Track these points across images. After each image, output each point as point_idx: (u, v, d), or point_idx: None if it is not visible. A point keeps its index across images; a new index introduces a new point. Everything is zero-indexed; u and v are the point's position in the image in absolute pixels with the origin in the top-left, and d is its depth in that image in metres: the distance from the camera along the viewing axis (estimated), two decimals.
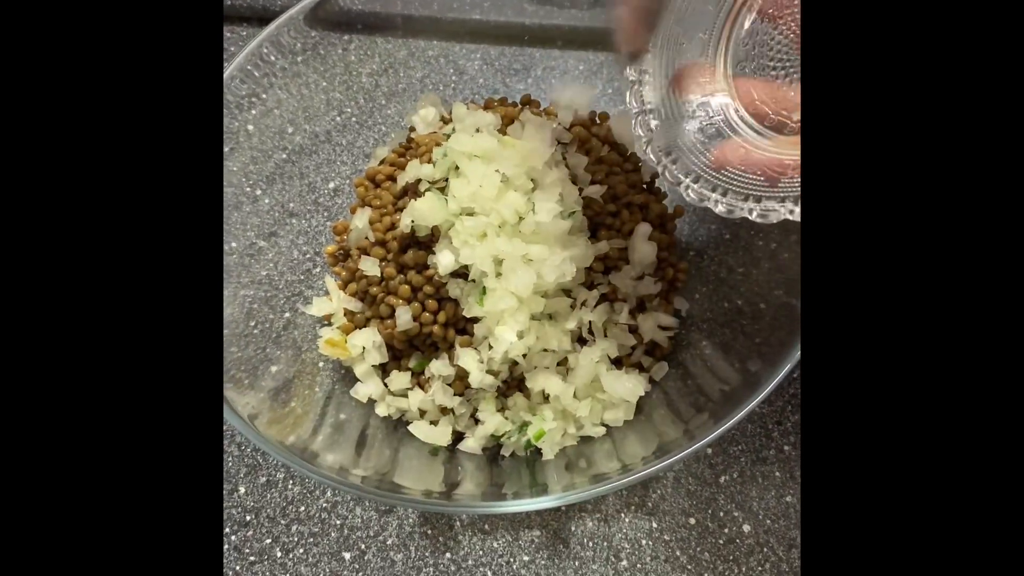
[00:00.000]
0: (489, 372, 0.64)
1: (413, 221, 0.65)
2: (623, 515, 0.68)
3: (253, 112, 0.78)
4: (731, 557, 0.67)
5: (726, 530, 0.68)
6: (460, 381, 0.66)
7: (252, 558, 0.68)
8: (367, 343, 0.67)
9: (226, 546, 0.68)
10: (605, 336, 0.68)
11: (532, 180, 0.65)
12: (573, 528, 0.68)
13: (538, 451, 0.66)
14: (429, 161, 0.68)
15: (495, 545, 0.68)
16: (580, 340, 0.68)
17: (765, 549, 0.67)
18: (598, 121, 0.77)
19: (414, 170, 0.68)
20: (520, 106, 0.78)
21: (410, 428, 0.66)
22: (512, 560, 0.67)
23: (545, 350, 0.65)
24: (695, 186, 0.53)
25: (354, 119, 0.86)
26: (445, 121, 0.76)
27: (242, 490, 0.71)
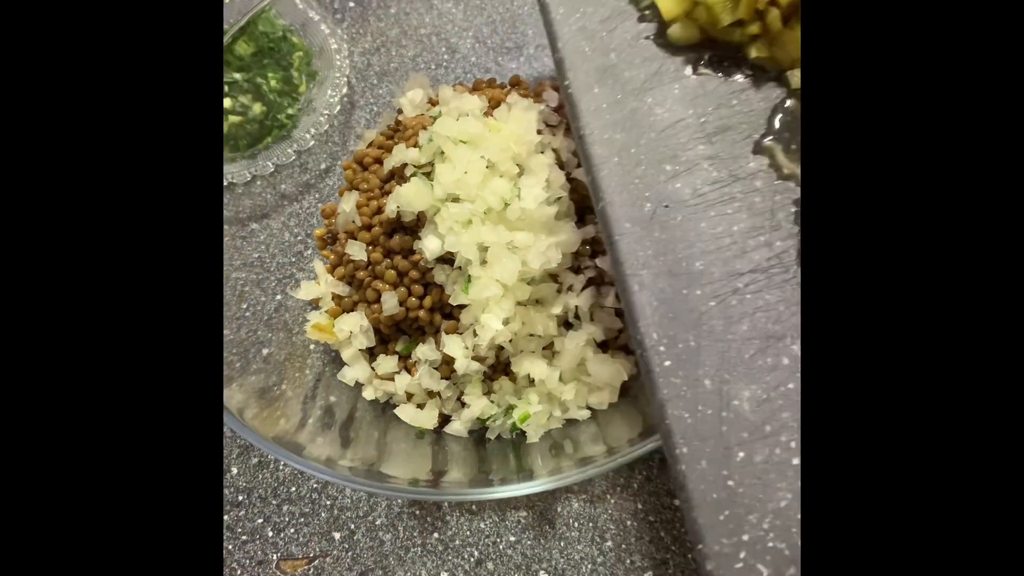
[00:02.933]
0: (475, 358, 0.65)
1: (399, 206, 0.65)
2: (609, 496, 0.69)
3: None
4: None
5: None
6: (447, 365, 0.67)
7: (244, 537, 0.69)
8: (354, 327, 0.67)
9: None
10: (591, 320, 0.68)
11: (518, 165, 0.65)
12: (559, 509, 0.69)
13: (524, 434, 0.67)
14: (415, 145, 0.68)
15: (482, 525, 0.69)
16: (566, 324, 0.68)
17: None
18: None
19: (400, 155, 0.67)
20: (508, 87, 0.78)
21: (396, 411, 0.67)
22: (499, 540, 0.68)
23: (531, 335, 0.66)
24: None
25: (345, 99, 0.85)
26: (433, 103, 0.76)
27: (234, 471, 0.72)
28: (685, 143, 0.53)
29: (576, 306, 0.67)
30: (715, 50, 0.57)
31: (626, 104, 0.55)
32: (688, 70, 0.56)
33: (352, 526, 0.70)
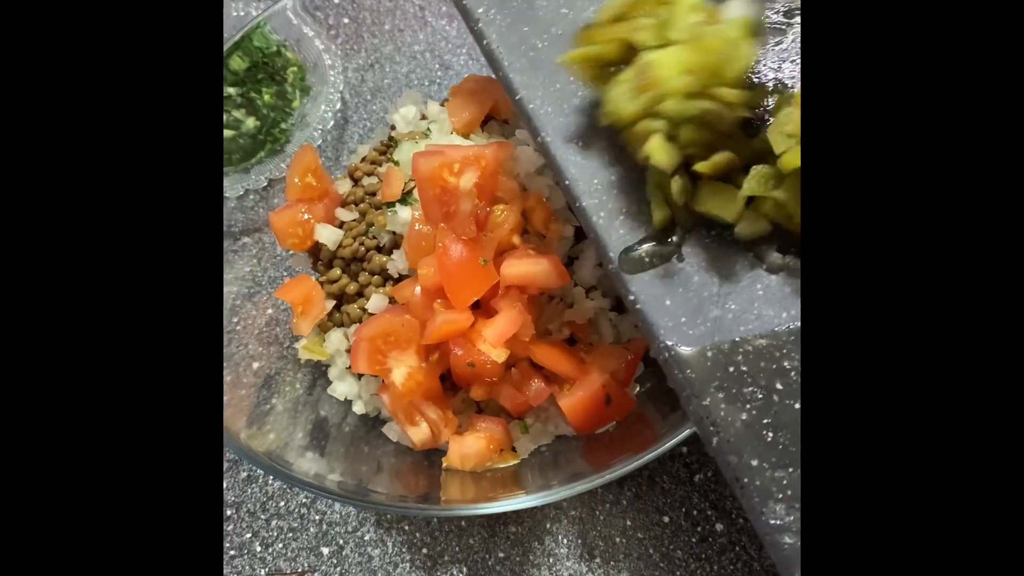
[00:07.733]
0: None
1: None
2: (597, 512, 0.69)
3: None
4: (703, 555, 0.68)
5: (699, 528, 0.69)
6: None
7: (232, 552, 0.69)
8: (341, 344, 0.68)
9: None
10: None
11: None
12: (548, 525, 0.69)
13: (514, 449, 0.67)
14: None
15: (471, 541, 0.69)
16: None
17: (737, 548, 0.68)
18: None
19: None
20: None
21: (384, 430, 0.67)
22: (488, 556, 0.68)
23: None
24: None
25: (339, 114, 0.86)
26: (425, 118, 0.77)
27: (223, 485, 0.72)
28: None
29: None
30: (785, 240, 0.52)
31: (703, 310, 0.51)
32: (763, 269, 0.52)
33: (341, 541, 0.69)
